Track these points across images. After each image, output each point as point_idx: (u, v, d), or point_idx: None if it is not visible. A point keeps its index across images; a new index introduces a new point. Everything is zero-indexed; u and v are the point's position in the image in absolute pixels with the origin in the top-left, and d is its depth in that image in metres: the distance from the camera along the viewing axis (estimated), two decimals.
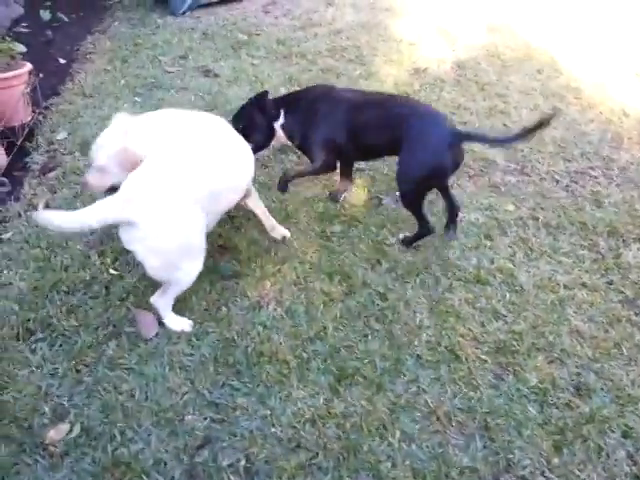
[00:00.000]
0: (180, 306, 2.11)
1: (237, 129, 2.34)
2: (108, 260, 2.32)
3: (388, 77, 3.95)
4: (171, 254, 1.91)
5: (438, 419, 1.78)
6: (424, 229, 2.42)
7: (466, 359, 1.97)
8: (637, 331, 2.11)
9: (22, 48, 2.93)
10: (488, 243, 2.51)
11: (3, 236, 2.45)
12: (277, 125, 2.58)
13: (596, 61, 4.29)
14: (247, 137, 2.36)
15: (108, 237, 2.41)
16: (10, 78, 2.81)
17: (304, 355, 1.97)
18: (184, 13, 4.98)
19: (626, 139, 3.32)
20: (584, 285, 2.30)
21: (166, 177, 1.92)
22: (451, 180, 2.80)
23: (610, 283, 2.32)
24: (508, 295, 2.23)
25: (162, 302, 2.04)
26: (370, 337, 2.05)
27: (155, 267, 1.91)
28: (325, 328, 2.07)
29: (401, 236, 2.50)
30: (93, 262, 2.31)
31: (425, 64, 4.15)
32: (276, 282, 2.28)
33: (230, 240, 2.47)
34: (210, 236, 2.34)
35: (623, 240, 2.56)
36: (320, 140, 2.50)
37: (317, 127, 2.49)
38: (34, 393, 1.82)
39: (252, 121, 2.54)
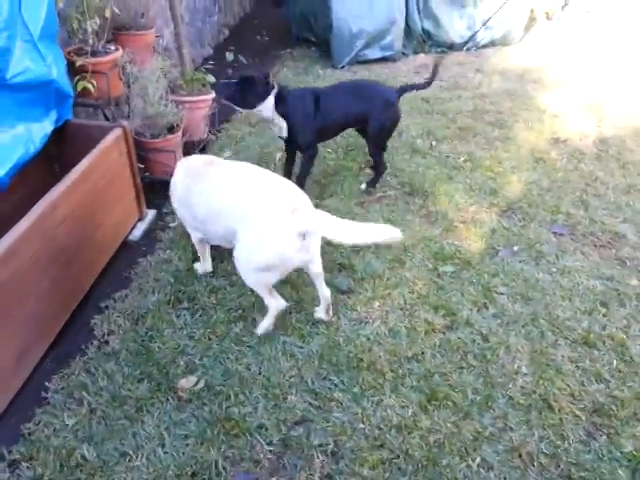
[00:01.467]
0: (297, 308, 2.42)
1: (237, 83, 2.84)
2: None
3: (525, 142, 4.07)
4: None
5: (520, 456, 1.84)
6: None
7: (559, 410, 1.99)
8: None
9: (212, 79, 3.60)
10: (603, 310, 2.49)
11: (171, 224, 3.00)
12: (271, 94, 2.92)
13: None
14: (244, 92, 2.84)
15: None
16: (200, 101, 3.46)
17: (400, 371, 2.14)
18: (343, 67, 5.59)
19: None
20: None
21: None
22: (575, 245, 2.86)
23: None
24: (615, 362, 2.20)
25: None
26: (465, 371, 2.16)
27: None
28: (423, 353, 2.23)
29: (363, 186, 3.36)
30: None
31: (565, 136, 4.19)
32: (384, 304, 2.50)
33: (348, 260, 2.75)
34: (331, 254, 2.66)
35: None
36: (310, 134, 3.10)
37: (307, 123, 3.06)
38: (174, 347, 2.22)
39: (253, 80, 2.86)
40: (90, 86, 2.62)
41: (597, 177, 3.63)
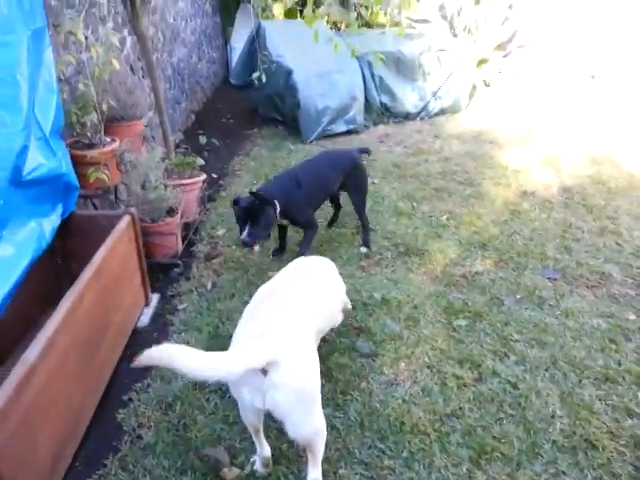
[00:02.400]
0: (328, 377, 2.40)
1: (247, 219, 2.90)
2: None
3: (497, 197, 4.35)
4: (309, 394, 1.71)
5: None
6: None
7: (603, 449, 2.03)
8: None
9: (202, 162, 3.71)
10: (613, 347, 2.62)
11: (179, 307, 2.96)
12: (277, 212, 3.03)
13: None
14: (259, 226, 2.90)
15: None
16: (193, 183, 3.53)
17: (443, 429, 2.14)
18: (311, 142, 5.87)
19: None
20: None
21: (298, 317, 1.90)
22: (570, 287, 3.03)
23: None
24: None
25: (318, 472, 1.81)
26: (505, 420, 2.18)
27: (297, 413, 1.67)
28: (461, 408, 2.25)
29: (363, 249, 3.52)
30: None
31: (532, 188, 4.53)
32: (410, 363, 2.52)
33: (364, 323, 2.79)
34: (346, 320, 2.69)
35: None
36: (306, 211, 3.27)
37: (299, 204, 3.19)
38: (210, 434, 2.13)
39: (266, 214, 2.93)
40: (104, 177, 2.65)
41: (571, 223, 3.91)
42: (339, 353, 2.57)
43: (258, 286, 2.91)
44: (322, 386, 2.30)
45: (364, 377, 2.43)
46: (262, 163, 5.24)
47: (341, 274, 3.00)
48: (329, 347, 2.59)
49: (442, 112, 6.97)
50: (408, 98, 6.63)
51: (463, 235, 3.74)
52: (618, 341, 2.66)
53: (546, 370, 2.46)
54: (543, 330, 2.74)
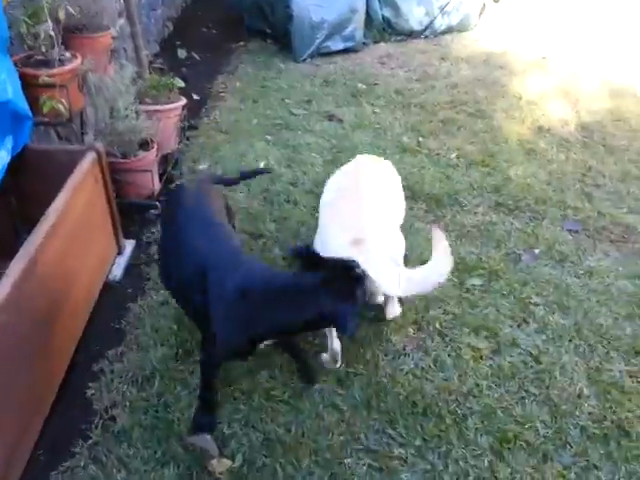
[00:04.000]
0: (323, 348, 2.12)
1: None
2: None
3: (511, 134, 3.93)
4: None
5: None
6: None
7: (637, 437, 1.83)
8: None
9: (182, 83, 3.18)
10: None
11: (156, 256, 2.59)
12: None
13: None
14: None
15: None
16: (171, 110, 3.03)
17: (459, 411, 1.91)
18: (304, 60, 5.24)
19: None
20: None
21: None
22: (592, 241, 2.75)
23: None
24: None
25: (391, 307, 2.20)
26: (527, 401, 1.96)
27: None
28: (478, 385, 2.00)
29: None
30: None
31: (548, 124, 4.10)
32: (419, 329, 2.25)
33: None
34: None
35: None
36: None
37: None
38: None
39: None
40: (61, 106, 2.16)
41: (591, 166, 3.55)
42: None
43: (250, 232, 2.53)
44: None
45: (369, 346, 2.16)
46: (249, 83, 4.66)
47: None
48: None
49: (449, 30, 6.27)
50: (413, 13, 5.91)
51: (475, 178, 3.37)
52: None
53: (570, 340, 2.22)
54: (565, 293, 2.47)
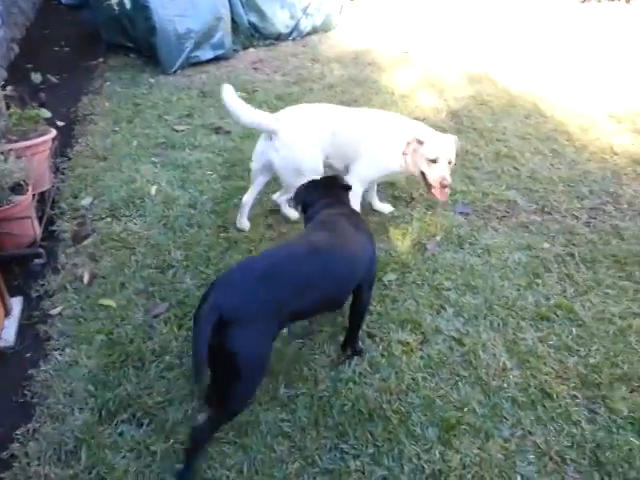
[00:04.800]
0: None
1: None
2: (174, 327, 2.23)
3: None
4: (292, 165, 2.59)
5: (551, 459, 1.81)
6: None
7: (557, 396, 2.01)
8: None
9: (48, 114, 2.86)
10: (539, 281, 2.62)
11: (52, 311, 2.31)
12: None
13: (573, 104, 4.67)
14: None
15: (170, 303, 2.34)
16: (41, 144, 2.71)
17: (402, 409, 1.95)
18: (175, 72, 5.02)
19: (623, 175, 3.60)
20: (636, 315, 2.43)
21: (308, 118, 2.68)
22: (483, 221, 2.97)
23: None
24: (574, 330, 2.32)
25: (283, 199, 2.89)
26: (460, 384, 2.06)
27: (284, 174, 2.63)
28: (414, 379, 2.07)
29: None
30: (159, 331, 2.22)
31: (422, 114, 4.36)
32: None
33: None
34: None
35: None
36: None
37: None
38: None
39: None
40: None
41: (467, 150, 3.84)
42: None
43: (156, 266, 2.41)
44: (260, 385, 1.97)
45: (305, 362, 2.12)
46: (119, 103, 4.36)
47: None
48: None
49: (314, 31, 6.42)
50: (278, 16, 5.94)
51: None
52: (541, 274, 2.67)
53: (484, 318, 2.38)
54: (470, 273, 2.65)
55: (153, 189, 3.14)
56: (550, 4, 7.95)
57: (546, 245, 2.89)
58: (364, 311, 2.09)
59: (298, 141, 2.59)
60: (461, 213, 3.14)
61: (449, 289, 2.54)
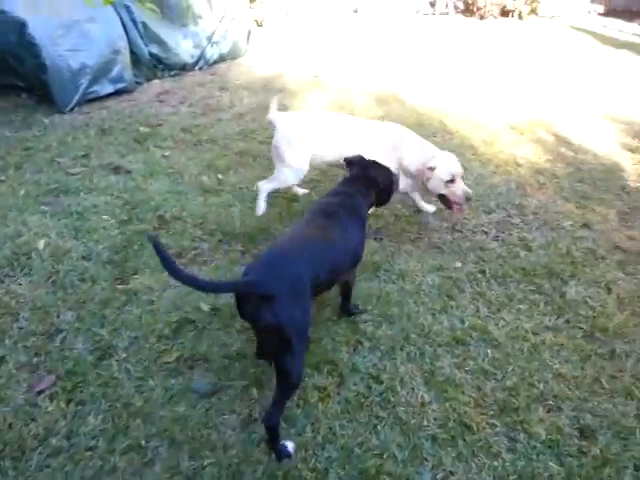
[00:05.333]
0: (167, 438, 1.85)
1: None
2: (62, 403, 1.98)
3: None
4: (281, 148, 3.05)
5: None
6: None
7: (477, 428, 1.95)
8: (606, 363, 2.27)
9: None
10: (452, 303, 2.59)
11: None
12: None
13: (477, 118, 4.83)
14: None
15: (58, 375, 2.08)
16: None
17: (319, 466, 1.81)
18: (72, 109, 4.72)
19: (527, 186, 3.72)
20: (548, 328, 2.46)
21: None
22: (396, 245, 2.93)
23: (568, 322, 2.50)
24: (489, 352, 2.30)
25: (265, 186, 3.17)
26: (379, 427, 1.96)
27: (277, 155, 3.09)
28: (331, 429, 1.94)
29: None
30: (44, 410, 1.95)
31: None
32: (262, 387, 2.11)
33: (196, 349, 2.26)
34: (176, 349, 2.17)
35: (561, 279, 2.80)
36: None
37: None
38: None
39: None
40: None
41: None
42: (173, 402, 2.01)
43: (41, 332, 2.20)
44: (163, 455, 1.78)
45: (213, 426, 1.94)
46: (7, 149, 4.01)
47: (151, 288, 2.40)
48: (161, 391, 2.03)
49: (222, 59, 6.33)
50: (181, 46, 5.80)
51: (282, 206, 3.37)
52: (454, 295, 2.65)
53: (401, 349, 2.30)
54: (386, 302, 2.58)
55: (41, 243, 2.85)
56: (448, 23, 8.35)
57: (458, 264, 2.89)
58: (352, 285, 2.40)
59: (290, 137, 3.01)
60: (375, 239, 3.10)
61: (366, 321, 2.46)
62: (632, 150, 4.30)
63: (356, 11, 9.04)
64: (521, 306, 2.59)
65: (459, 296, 2.65)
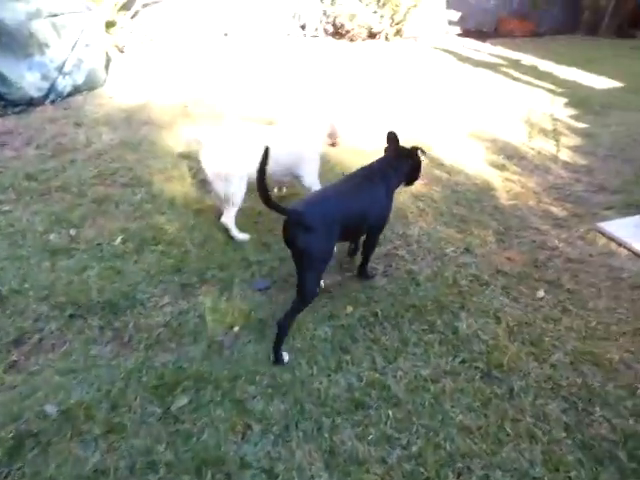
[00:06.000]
0: None
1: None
2: None
3: (176, 195, 3.66)
4: (220, 174, 3.01)
5: None
6: None
7: None
8: (507, 405, 2.20)
9: None
10: (347, 357, 2.38)
11: None
12: None
13: (355, 144, 4.77)
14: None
15: None
16: None
17: None
18: None
19: (409, 213, 3.68)
20: (446, 373, 2.34)
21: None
22: (283, 295, 2.69)
23: (464, 361, 2.41)
24: (390, 413, 2.11)
25: (227, 219, 3.13)
26: None
27: (215, 182, 3.04)
28: None
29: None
30: None
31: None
32: None
33: (41, 474, 1.79)
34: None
35: (452, 312, 2.72)
36: None
37: None
38: None
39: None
40: None
41: (260, 211, 3.57)
42: None
43: None
44: None
45: None
46: None
47: None
48: None
49: (77, 91, 5.67)
50: (26, 79, 5.08)
51: (150, 262, 2.95)
52: (348, 346, 2.45)
53: (296, 427, 2.04)
54: (273, 371, 2.29)
55: None
56: (319, 46, 8.41)
57: (349, 309, 2.70)
58: (373, 247, 2.86)
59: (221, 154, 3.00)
60: (260, 290, 2.81)
61: (254, 396, 2.16)
62: (499, 167, 4.49)
63: (226, 34, 8.78)
64: (416, 350, 2.46)
65: (353, 347, 2.45)
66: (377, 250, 3.21)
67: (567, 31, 10.75)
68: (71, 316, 2.52)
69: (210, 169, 3.02)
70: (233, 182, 3.02)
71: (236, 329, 2.52)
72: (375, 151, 4.54)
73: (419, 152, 2.80)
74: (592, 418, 2.12)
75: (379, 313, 2.68)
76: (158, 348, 2.38)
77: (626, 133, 5.24)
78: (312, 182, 3.31)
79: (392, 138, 2.84)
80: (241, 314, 2.61)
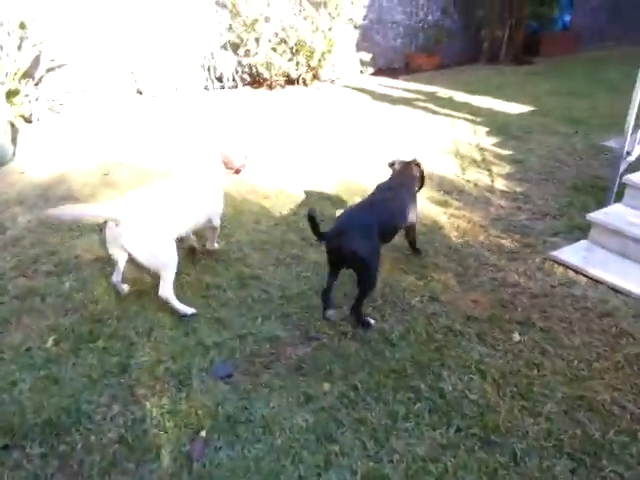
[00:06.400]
0: None
1: None
2: None
3: (99, 284, 3.28)
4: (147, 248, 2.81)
5: None
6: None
7: None
8: (514, 474, 2.03)
9: None
10: (335, 447, 2.13)
11: None
12: None
13: (295, 193, 4.63)
14: None
15: None
16: None
17: None
18: None
19: None
20: (443, 447, 2.15)
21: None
22: (250, 379, 2.41)
23: (459, 430, 2.24)
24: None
25: (166, 291, 2.87)
26: None
27: (139, 254, 2.80)
28: None
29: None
30: None
31: None
32: None
33: None
34: None
35: (433, 372, 2.55)
36: None
37: None
38: None
39: None
40: None
41: (207, 283, 3.28)
42: None
43: None
44: None
45: None
46: None
47: None
48: None
49: None
50: None
51: (92, 364, 2.58)
52: (334, 433, 2.21)
53: None
54: (257, 473, 2.01)
55: None
56: (238, 96, 8.34)
57: (326, 386, 2.47)
58: (414, 235, 3.51)
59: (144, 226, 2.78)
60: (222, 378, 2.52)
61: None
62: (442, 204, 4.49)
63: (141, 92, 8.48)
64: (407, 425, 2.26)
65: (339, 434, 2.21)
66: (342, 310, 3.02)
67: (469, 61, 11.44)
68: (5, 447, 2.10)
69: (136, 243, 2.78)
70: (165, 247, 2.87)
71: (203, 433, 2.20)
72: (320, 198, 4.42)
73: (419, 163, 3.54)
74: (603, 475, 2.01)
75: (359, 386, 2.47)
76: (115, 472, 2.02)
77: (549, 156, 5.48)
78: (218, 219, 3.48)
79: (394, 163, 3.53)
80: (206, 412, 2.30)
